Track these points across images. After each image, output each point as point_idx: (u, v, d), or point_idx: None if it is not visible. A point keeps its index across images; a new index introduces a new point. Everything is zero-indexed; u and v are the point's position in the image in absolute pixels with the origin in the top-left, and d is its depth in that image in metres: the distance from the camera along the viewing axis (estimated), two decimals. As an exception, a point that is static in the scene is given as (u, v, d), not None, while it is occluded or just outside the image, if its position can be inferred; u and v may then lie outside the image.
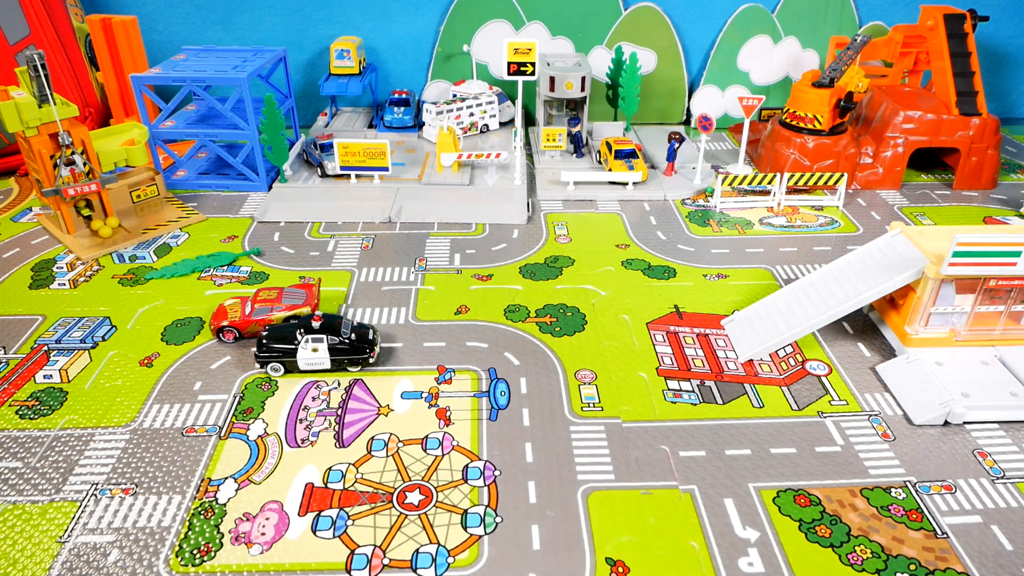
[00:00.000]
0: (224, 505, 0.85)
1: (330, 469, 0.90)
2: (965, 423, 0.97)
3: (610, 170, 1.65)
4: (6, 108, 1.24)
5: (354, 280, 1.30)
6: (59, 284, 1.29)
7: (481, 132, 1.95)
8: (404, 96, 1.99)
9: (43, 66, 1.25)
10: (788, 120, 1.69)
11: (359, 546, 0.80)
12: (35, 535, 0.81)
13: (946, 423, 0.97)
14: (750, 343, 1.11)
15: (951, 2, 1.88)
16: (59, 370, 1.07)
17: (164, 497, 0.86)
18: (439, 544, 0.80)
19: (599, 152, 1.75)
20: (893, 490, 0.87)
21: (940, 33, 1.70)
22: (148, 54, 1.88)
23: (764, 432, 0.96)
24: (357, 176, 1.66)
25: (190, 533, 0.81)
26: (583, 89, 1.73)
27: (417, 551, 0.79)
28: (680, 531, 0.82)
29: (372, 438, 0.95)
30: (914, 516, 0.84)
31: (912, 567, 0.77)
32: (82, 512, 0.84)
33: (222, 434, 0.96)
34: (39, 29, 1.71)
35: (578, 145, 1.79)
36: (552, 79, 1.72)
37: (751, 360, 1.09)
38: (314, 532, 0.82)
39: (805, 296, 1.14)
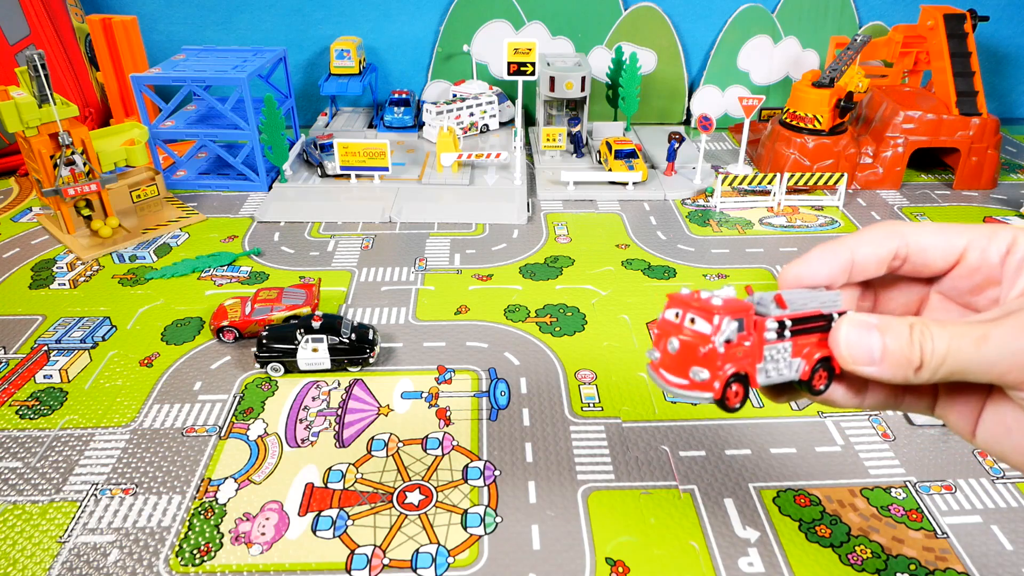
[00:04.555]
0: (224, 505, 0.85)
1: (330, 469, 0.90)
2: (965, 423, 0.97)
3: (610, 170, 1.65)
4: (6, 108, 1.24)
5: (354, 280, 1.30)
6: (59, 284, 1.29)
7: (481, 132, 1.95)
8: (404, 96, 1.99)
9: (43, 66, 1.25)
10: (788, 120, 1.69)
11: (359, 546, 0.80)
12: (35, 535, 0.81)
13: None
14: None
15: (951, 2, 1.88)
16: (59, 370, 1.07)
17: (164, 497, 0.86)
18: (439, 544, 0.80)
19: (599, 152, 1.75)
20: (893, 490, 0.87)
21: (940, 33, 1.70)
22: (148, 54, 1.88)
23: (764, 432, 0.96)
24: (357, 176, 1.66)
25: (190, 533, 0.81)
26: (583, 89, 1.73)
27: (417, 551, 0.79)
28: (680, 531, 0.82)
29: (372, 438, 0.95)
30: (914, 516, 0.84)
31: (912, 567, 0.77)
32: (82, 512, 0.84)
33: (222, 434, 0.96)
34: (39, 29, 1.71)
35: (578, 145, 1.79)
36: (552, 79, 1.72)
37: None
38: (314, 532, 0.82)
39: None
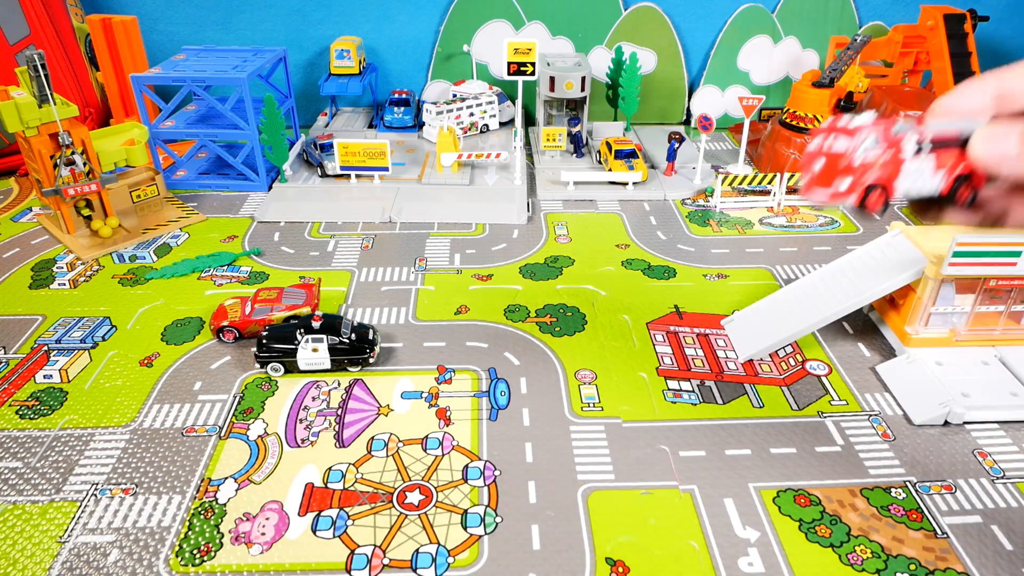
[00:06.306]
0: (224, 505, 0.85)
1: (330, 469, 0.90)
2: (965, 423, 0.97)
3: (610, 170, 1.65)
4: (6, 108, 1.24)
5: (354, 280, 1.30)
6: (59, 284, 1.29)
7: (481, 132, 1.95)
8: (404, 96, 1.99)
9: (43, 66, 1.25)
10: (788, 120, 1.69)
11: (359, 546, 0.80)
12: (35, 535, 0.81)
13: (946, 423, 0.97)
14: (750, 343, 1.11)
15: (951, 2, 1.88)
16: (59, 370, 1.07)
17: (164, 497, 0.86)
18: (439, 544, 0.80)
19: (599, 152, 1.75)
20: (893, 490, 0.87)
21: (940, 33, 1.70)
22: (148, 54, 1.88)
23: (764, 432, 0.96)
24: (357, 176, 1.66)
25: (190, 533, 0.81)
26: (583, 89, 1.73)
27: (417, 551, 0.79)
28: (680, 531, 0.82)
29: (372, 438, 0.95)
30: (914, 516, 0.84)
31: (912, 567, 0.77)
32: (82, 512, 0.84)
33: (222, 434, 0.96)
34: (39, 29, 1.71)
35: (578, 145, 1.79)
36: (552, 79, 1.72)
37: (751, 360, 1.09)
38: (314, 532, 0.82)
39: (805, 296, 1.14)
